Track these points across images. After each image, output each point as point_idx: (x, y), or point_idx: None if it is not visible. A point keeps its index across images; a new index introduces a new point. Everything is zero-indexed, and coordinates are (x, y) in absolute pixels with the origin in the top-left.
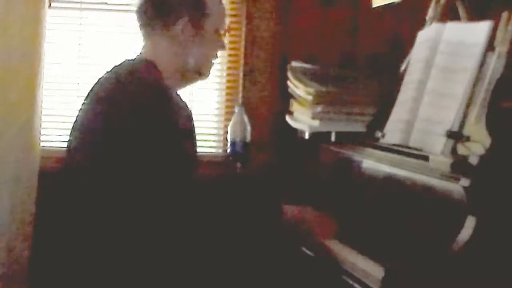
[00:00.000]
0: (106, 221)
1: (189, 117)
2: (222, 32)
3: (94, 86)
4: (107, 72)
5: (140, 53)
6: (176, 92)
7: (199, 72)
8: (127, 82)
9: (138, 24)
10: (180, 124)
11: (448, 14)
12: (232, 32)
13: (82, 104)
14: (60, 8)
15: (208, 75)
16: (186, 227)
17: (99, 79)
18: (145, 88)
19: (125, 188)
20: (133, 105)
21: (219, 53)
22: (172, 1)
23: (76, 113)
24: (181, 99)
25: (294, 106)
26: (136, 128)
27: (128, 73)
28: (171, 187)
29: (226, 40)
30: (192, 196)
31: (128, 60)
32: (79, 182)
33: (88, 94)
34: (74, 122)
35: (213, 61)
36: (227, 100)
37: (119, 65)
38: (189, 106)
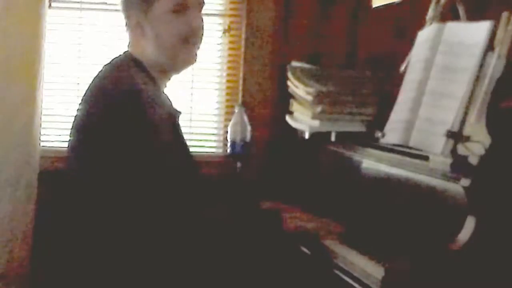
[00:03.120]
0: (106, 221)
1: (170, 115)
2: (186, 9)
3: (88, 85)
4: (99, 71)
5: (127, 49)
6: (158, 89)
7: (172, 59)
8: (105, 82)
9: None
10: (157, 123)
11: (448, 14)
12: (232, 32)
13: (79, 105)
14: (60, 8)
15: (192, 61)
16: (186, 227)
17: (92, 78)
18: (120, 93)
19: (118, 189)
20: (107, 106)
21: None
22: (123, 1)
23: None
24: (166, 98)
25: (294, 106)
26: (115, 129)
27: (108, 74)
28: (166, 186)
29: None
30: (191, 196)
31: (115, 57)
32: (77, 183)
33: (83, 95)
34: (73, 123)
35: (195, 44)
36: (227, 100)
37: (107, 64)
38: (173, 103)
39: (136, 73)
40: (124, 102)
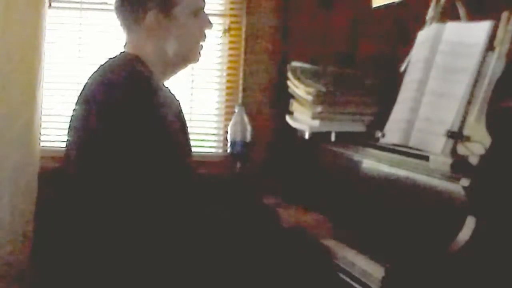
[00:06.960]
0: (105, 220)
1: (176, 108)
2: (202, 12)
3: (84, 86)
4: (94, 71)
5: (123, 49)
6: (163, 83)
7: (186, 58)
8: (110, 78)
9: (118, 22)
10: (167, 115)
11: (448, 14)
12: (232, 32)
13: (75, 105)
14: (60, 8)
15: (197, 59)
16: (185, 226)
17: (88, 79)
18: (128, 82)
19: (118, 186)
20: (117, 101)
21: (209, 35)
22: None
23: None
24: (168, 90)
25: (294, 106)
26: (122, 123)
27: (110, 70)
28: (164, 181)
29: (210, 24)
30: (191, 195)
31: (111, 57)
32: (76, 181)
33: (79, 94)
34: (69, 122)
35: (201, 43)
36: (227, 100)
37: (103, 63)
38: (177, 97)
39: (141, 68)
40: (136, 89)
